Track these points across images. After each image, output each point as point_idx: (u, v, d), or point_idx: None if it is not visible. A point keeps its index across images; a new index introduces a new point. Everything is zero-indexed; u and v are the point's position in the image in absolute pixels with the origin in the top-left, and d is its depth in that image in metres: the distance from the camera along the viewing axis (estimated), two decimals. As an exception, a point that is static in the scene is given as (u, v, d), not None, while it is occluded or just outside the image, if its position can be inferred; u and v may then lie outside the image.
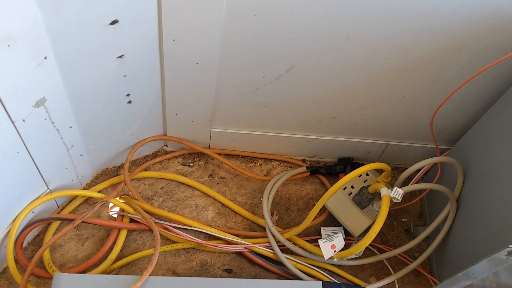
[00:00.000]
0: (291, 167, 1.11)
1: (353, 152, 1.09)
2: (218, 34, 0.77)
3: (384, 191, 0.86)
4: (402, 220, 1.07)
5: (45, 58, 0.69)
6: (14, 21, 0.60)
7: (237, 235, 0.98)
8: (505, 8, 0.72)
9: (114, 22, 0.71)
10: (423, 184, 0.91)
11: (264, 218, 0.98)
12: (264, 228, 1.00)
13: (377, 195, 0.94)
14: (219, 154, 1.08)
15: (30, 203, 0.89)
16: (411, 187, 0.88)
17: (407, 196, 1.08)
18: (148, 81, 0.88)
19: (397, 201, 0.85)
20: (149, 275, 0.79)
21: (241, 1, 0.72)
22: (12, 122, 0.72)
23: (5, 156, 0.76)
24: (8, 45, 0.61)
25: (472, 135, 0.93)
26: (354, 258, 0.96)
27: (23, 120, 0.73)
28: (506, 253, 0.71)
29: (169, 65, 0.84)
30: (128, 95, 0.88)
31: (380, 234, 1.05)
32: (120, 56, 0.78)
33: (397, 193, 0.85)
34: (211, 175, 1.08)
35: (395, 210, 1.08)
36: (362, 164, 0.92)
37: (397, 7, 0.72)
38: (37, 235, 0.96)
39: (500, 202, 0.80)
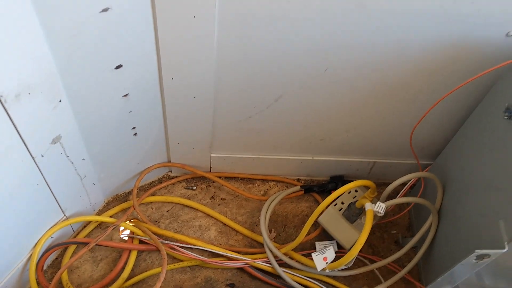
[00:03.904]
0: (286, 187, 1.19)
1: (343, 170, 1.17)
2: (212, 71, 0.87)
3: (368, 205, 0.94)
4: (392, 232, 1.15)
5: (60, 101, 0.79)
6: (33, 73, 0.70)
7: (238, 252, 1.06)
8: (466, 40, 0.81)
9: (118, 67, 0.81)
10: (404, 198, 0.99)
11: (262, 235, 1.07)
12: (263, 245, 1.08)
13: (364, 210, 1.02)
14: (220, 177, 1.17)
15: (49, 229, 0.98)
16: (392, 201, 0.96)
17: (396, 210, 1.16)
18: (151, 115, 0.98)
19: (380, 215, 0.93)
20: (158, 290, 0.88)
21: (231, 43, 0.82)
22: (33, 158, 0.81)
23: (26, 188, 0.85)
24: (29, 93, 0.71)
25: (448, 151, 1.01)
26: (346, 269, 1.04)
27: (42, 156, 0.83)
28: (475, 258, 0.79)
29: (170, 100, 0.94)
30: (133, 128, 0.97)
31: (371, 246, 1.13)
32: (125, 95, 0.88)
33: (380, 207, 0.93)
34: (212, 197, 1.17)
35: (385, 223, 1.16)
36: (352, 181, 1.01)
37: (370, 41, 0.81)
38: (56, 259, 1.05)
39: (472, 211, 0.87)
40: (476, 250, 0.77)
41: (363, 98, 0.94)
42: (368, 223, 0.92)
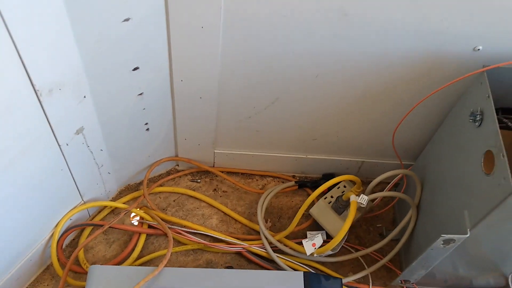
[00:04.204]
0: (282, 182, 1.31)
1: (334, 168, 1.29)
2: (216, 75, 0.99)
3: (352, 197, 1.06)
4: (377, 225, 1.26)
5: (84, 97, 0.91)
6: (64, 72, 0.83)
7: (237, 238, 1.18)
8: (439, 53, 0.92)
9: (135, 69, 0.94)
10: (385, 192, 1.10)
11: (258, 224, 1.18)
12: (259, 232, 1.19)
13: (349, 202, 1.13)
14: (222, 172, 1.29)
15: (68, 211, 1.11)
16: (374, 194, 1.07)
17: (381, 205, 1.27)
18: (162, 112, 1.10)
19: (363, 206, 1.05)
20: (164, 267, 0.99)
21: (233, 51, 0.94)
22: (59, 145, 0.94)
23: (52, 173, 0.98)
24: (60, 89, 0.84)
25: (426, 152, 1.13)
26: (334, 256, 1.15)
27: (67, 144, 0.95)
28: (442, 242, 0.90)
29: (179, 99, 1.06)
30: (146, 123, 1.10)
31: (358, 237, 1.24)
32: (140, 94, 1.00)
33: (363, 199, 1.05)
34: (215, 189, 1.29)
35: (371, 217, 1.27)
36: (339, 177, 1.13)
37: (355, 52, 0.93)
38: (73, 239, 1.17)
39: (444, 204, 0.99)
40: (442, 235, 0.88)
41: (350, 102, 1.06)
42: (351, 213, 1.04)
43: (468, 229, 0.87)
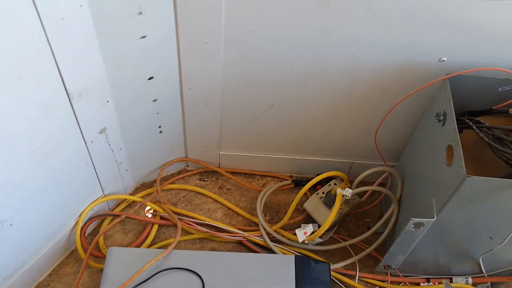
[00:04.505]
0: (281, 181, 1.46)
1: (327, 169, 1.43)
2: (219, 84, 1.16)
3: (338, 190, 1.20)
4: (366, 220, 1.40)
5: (107, 101, 1.08)
6: (91, 80, 1.00)
7: (239, 229, 1.33)
8: (409, 64, 1.07)
9: (150, 78, 1.11)
10: (367, 187, 1.24)
11: (258, 217, 1.33)
12: (258, 224, 1.34)
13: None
14: (227, 172, 1.45)
15: (91, 203, 1.27)
16: (358, 189, 1.21)
17: (369, 201, 1.41)
18: (174, 117, 1.27)
19: (348, 197, 1.19)
20: (172, 249, 1.15)
21: (233, 63, 1.10)
22: (85, 143, 1.11)
23: (78, 167, 1.14)
24: (87, 94, 1.01)
25: (405, 152, 1.27)
26: (323, 244, 1.29)
27: (92, 142, 1.12)
28: (413, 226, 1.04)
29: (188, 105, 1.23)
30: (159, 126, 1.26)
31: (347, 230, 1.38)
32: (154, 100, 1.17)
33: (347, 191, 1.19)
34: (220, 187, 1.44)
35: (361, 213, 1.41)
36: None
37: (336, 64, 1.09)
38: (94, 229, 1.33)
39: (418, 195, 1.13)
40: (412, 218, 1.02)
41: (335, 107, 1.21)
42: (337, 203, 1.18)
43: (435, 214, 1.01)
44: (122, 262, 1.13)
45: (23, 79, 0.84)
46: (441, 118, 1.03)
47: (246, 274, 1.14)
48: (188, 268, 1.13)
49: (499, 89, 1.07)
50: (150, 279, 1.11)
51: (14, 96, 0.84)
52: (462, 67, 1.06)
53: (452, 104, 1.00)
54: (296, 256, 1.17)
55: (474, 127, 1.02)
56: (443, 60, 1.07)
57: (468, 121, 1.05)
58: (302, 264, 1.16)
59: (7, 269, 1.09)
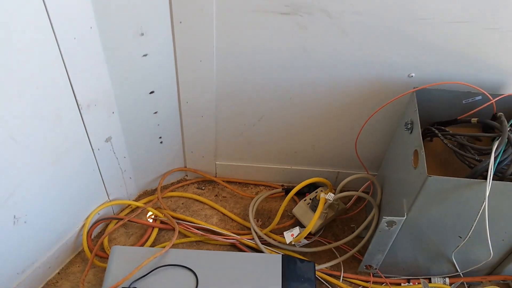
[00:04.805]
0: (272, 190, 1.57)
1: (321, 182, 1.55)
2: (213, 97, 1.29)
3: (321, 195, 1.32)
4: (351, 225, 1.50)
5: (113, 112, 1.22)
6: (99, 92, 1.13)
7: (232, 233, 1.44)
8: (381, 79, 1.20)
9: (151, 92, 1.24)
10: (349, 192, 1.35)
11: (250, 221, 1.44)
12: (250, 228, 1.45)
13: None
14: (223, 181, 1.57)
15: (97, 207, 1.39)
16: (340, 194, 1.32)
17: (354, 208, 1.52)
18: (173, 128, 1.40)
19: (330, 201, 1.30)
20: (169, 248, 1.26)
21: (225, 79, 1.24)
22: (92, 150, 1.24)
23: (86, 172, 1.27)
24: (95, 105, 1.15)
25: (384, 161, 1.39)
26: (310, 246, 1.39)
27: (98, 149, 1.25)
28: (386, 224, 1.14)
29: (185, 117, 1.36)
30: (160, 137, 1.39)
31: (334, 235, 1.48)
32: (155, 112, 1.30)
33: (330, 196, 1.31)
34: (216, 195, 1.56)
35: (346, 218, 1.51)
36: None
37: (316, 79, 1.22)
38: (99, 232, 1.45)
39: (393, 198, 1.24)
40: (384, 217, 1.12)
41: (319, 120, 1.34)
42: (320, 206, 1.30)
43: (405, 213, 1.12)
44: (124, 259, 1.24)
45: (39, 89, 0.98)
46: (409, 127, 1.15)
47: (237, 271, 1.24)
48: (183, 265, 1.24)
49: (463, 101, 1.18)
50: (149, 275, 1.22)
51: (31, 104, 0.98)
52: (429, 82, 1.18)
53: (418, 114, 1.12)
54: (283, 255, 1.27)
55: (440, 135, 1.14)
56: (412, 76, 1.19)
57: (434, 130, 1.17)
58: (289, 262, 1.26)
59: (20, 264, 1.21)
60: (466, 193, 1.03)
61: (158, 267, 1.23)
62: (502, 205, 1.05)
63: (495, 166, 1.02)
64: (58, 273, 1.36)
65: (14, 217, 1.10)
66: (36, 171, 1.09)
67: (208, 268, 1.23)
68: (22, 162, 1.04)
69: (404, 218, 1.12)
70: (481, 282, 1.35)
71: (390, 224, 1.14)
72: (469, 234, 1.11)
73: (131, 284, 1.18)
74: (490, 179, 0.99)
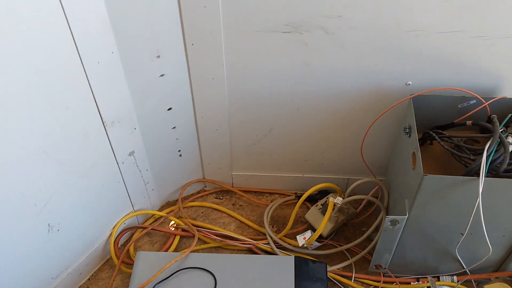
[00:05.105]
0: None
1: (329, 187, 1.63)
2: (226, 112, 1.40)
3: (331, 199, 1.40)
4: (362, 229, 1.58)
5: (135, 128, 1.33)
6: (121, 110, 1.25)
7: (249, 238, 1.53)
8: (381, 87, 1.28)
9: (169, 109, 1.36)
10: (357, 196, 1.43)
11: (265, 227, 1.53)
12: (266, 234, 1.54)
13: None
14: (239, 190, 1.66)
15: (123, 217, 1.50)
16: (348, 198, 1.40)
17: (365, 213, 1.59)
18: (191, 142, 1.51)
19: (338, 205, 1.38)
20: (189, 253, 1.35)
21: (236, 94, 1.34)
22: (117, 163, 1.35)
23: (112, 184, 1.39)
24: (118, 122, 1.27)
25: (390, 166, 1.46)
26: (322, 248, 1.47)
27: (123, 163, 1.37)
28: (390, 223, 1.21)
29: (201, 131, 1.47)
30: (179, 150, 1.51)
31: (346, 238, 1.55)
32: (174, 127, 1.42)
33: (338, 200, 1.39)
34: (233, 204, 1.66)
35: (357, 222, 1.59)
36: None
37: (320, 90, 1.31)
38: (126, 241, 1.56)
39: (397, 199, 1.31)
40: (387, 216, 1.20)
41: (325, 129, 1.43)
42: (329, 209, 1.38)
43: (407, 212, 1.19)
44: (148, 263, 1.35)
45: (69, 110, 1.10)
46: (407, 131, 1.23)
47: (252, 272, 1.33)
48: (203, 267, 1.33)
49: (459, 106, 1.26)
50: (171, 277, 1.31)
51: (61, 122, 1.10)
52: (425, 89, 1.26)
53: (414, 118, 1.20)
54: (295, 256, 1.35)
55: (437, 138, 1.21)
56: (409, 84, 1.27)
57: (432, 133, 1.24)
58: (301, 263, 1.35)
59: (55, 269, 1.32)
60: (462, 191, 1.10)
61: (179, 270, 1.32)
62: (496, 201, 1.11)
63: (488, 164, 1.09)
64: (89, 279, 1.47)
65: (49, 225, 1.22)
66: (68, 183, 1.21)
67: (225, 270, 1.33)
68: (54, 175, 1.16)
69: (406, 216, 1.19)
70: (490, 279, 1.40)
71: (394, 223, 1.21)
72: (467, 230, 1.17)
73: (154, 286, 1.28)
74: (482, 176, 1.06)
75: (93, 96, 1.15)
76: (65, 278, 1.37)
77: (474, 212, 1.11)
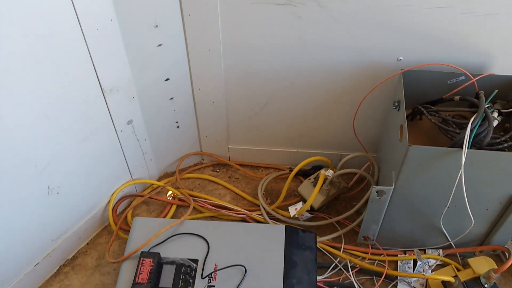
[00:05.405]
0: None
1: (320, 161, 1.67)
2: (222, 84, 1.43)
3: (322, 172, 1.44)
4: (353, 203, 1.61)
5: (133, 97, 1.38)
6: (120, 79, 1.30)
7: (243, 209, 1.57)
8: (373, 63, 1.31)
9: (167, 80, 1.40)
10: (347, 169, 1.47)
11: (259, 198, 1.58)
12: (259, 205, 1.58)
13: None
14: (236, 164, 1.71)
15: (121, 185, 1.55)
16: (339, 171, 1.44)
17: (356, 187, 1.63)
18: (188, 114, 1.55)
19: (329, 177, 1.42)
20: (184, 219, 1.40)
21: (232, 67, 1.38)
22: (116, 131, 1.40)
23: (111, 152, 1.43)
24: (117, 90, 1.31)
25: (381, 142, 1.50)
26: (313, 220, 1.51)
27: (121, 131, 1.41)
28: (376, 193, 1.25)
29: (198, 103, 1.51)
30: (177, 122, 1.55)
31: (337, 212, 1.60)
32: (171, 98, 1.46)
33: (329, 172, 1.43)
34: (229, 176, 1.70)
35: (349, 197, 1.63)
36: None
37: (314, 66, 1.35)
38: (124, 209, 1.61)
39: (385, 173, 1.35)
40: (374, 187, 1.24)
41: (319, 104, 1.46)
42: (320, 181, 1.42)
43: (393, 183, 1.23)
44: (144, 228, 1.39)
45: (69, 74, 1.15)
46: (396, 105, 1.26)
47: (244, 239, 1.37)
48: (196, 233, 1.38)
49: (448, 82, 1.29)
50: (166, 241, 1.36)
51: (61, 87, 1.15)
52: (416, 64, 1.29)
53: (403, 92, 1.23)
54: (286, 226, 1.40)
55: (425, 112, 1.25)
56: (400, 59, 1.30)
57: (421, 108, 1.28)
58: (292, 232, 1.39)
59: (54, 231, 1.38)
60: (446, 162, 1.14)
61: (174, 235, 1.37)
62: (479, 174, 1.15)
63: (472, 137, 1.12)
64: (87, 243, 1.52)
65: (49, 187, 1.27)
66: (68, 147, 1.26)
67: (218, 237, 1.37)
68: (55, 138, 1.20)
69: (392, 187, 1.23)
70: (474, 253, 1.44)
71: (380, 193, 1.25)
72: (449, 201, 1.21)
73: (150, 249, 1.33)
74: (465, 147, 1.09)
75: (92, 63, 1.19)
76: (65, 241, 1.42)
77: (456, 183, 1.14)
